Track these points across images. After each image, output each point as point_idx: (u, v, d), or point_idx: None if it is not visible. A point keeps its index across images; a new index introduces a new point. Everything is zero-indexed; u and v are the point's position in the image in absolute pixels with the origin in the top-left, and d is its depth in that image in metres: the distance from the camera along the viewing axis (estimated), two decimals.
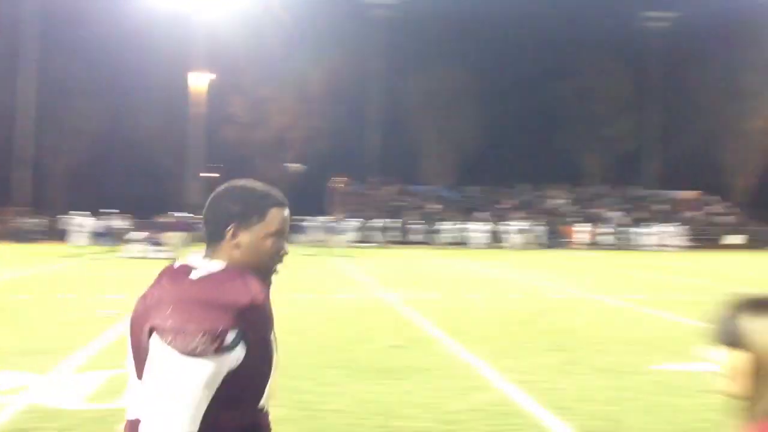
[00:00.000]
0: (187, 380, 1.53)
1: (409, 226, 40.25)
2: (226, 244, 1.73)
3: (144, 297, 1.67)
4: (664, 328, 10.43)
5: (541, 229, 39.64)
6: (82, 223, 31.02)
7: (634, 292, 15.22)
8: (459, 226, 39.56)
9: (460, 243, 37.93)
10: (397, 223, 40.53)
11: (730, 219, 46.38)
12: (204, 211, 1.79)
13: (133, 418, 1.61)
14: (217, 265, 1.69)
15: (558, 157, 54.80)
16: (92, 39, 43.94)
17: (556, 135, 54.15)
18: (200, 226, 1.82)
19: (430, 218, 41.44)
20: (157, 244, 24.46)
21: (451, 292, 15.13)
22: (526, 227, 39.09)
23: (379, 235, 38.98)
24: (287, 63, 46.72)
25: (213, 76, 45.24)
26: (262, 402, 1.72)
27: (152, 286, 1.68)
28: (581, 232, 39.87)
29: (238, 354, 1.58)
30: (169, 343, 1.54)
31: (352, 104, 49.92)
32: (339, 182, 49.31)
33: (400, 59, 50.73)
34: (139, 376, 1.61)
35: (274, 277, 1.81)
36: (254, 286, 1.65)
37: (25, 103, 43.58)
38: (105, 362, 7.02)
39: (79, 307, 11.67)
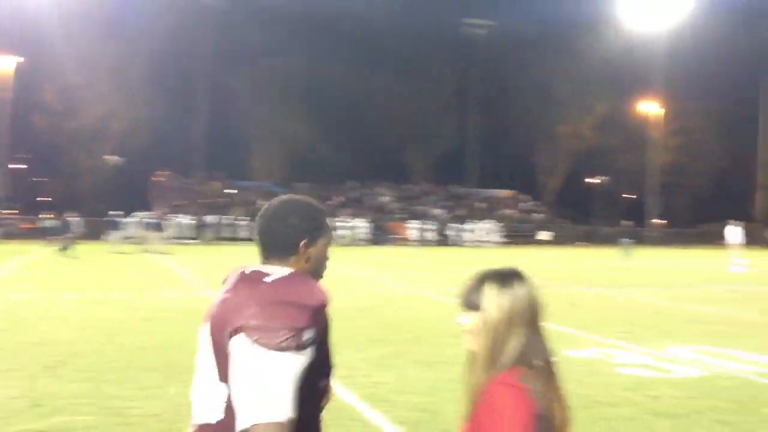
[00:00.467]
0: (278, 373, 1.62)
1: (237, 222, 39.42)
2: (299, 257, 1.89)
3: (223, 301, 1.76)
4: None
5: (367, 225, 40.37)
6: None
7: (454, 287, 15.76)
8: None
9: None
10: (224, 219, 39.56)
11: (541, 216, 49.88)
12: (264, 226, 1.92)
13: (202, 422, 1.73)
14: (287, 270, 1.81)
15: (385, 156, 56.23)
16: None
17: (383, 134, 55.51)
18: (259, 237, 1.94)
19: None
20: None
21: None
22: (354, 223, 39.64)
23: (205, 232, 37.85)
24: (105, 49, 43.92)
25: (21, 59, 41.60)
26: (323, 402, 1.87)
27: (229, 291, 1.77)
28: (412, 228, 41.10)
29: (310, 353, 1.70)
30: (255, 341, 1.63)
31: (177, 95, 48.05)
32: (162, 176, 47.27)
33: (228, 50, 49.57)
34: (222, 378, 1.70)
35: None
36: (322, 289, 1.79)
37: None
38: None
39: None
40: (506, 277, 1.85)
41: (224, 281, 1.88)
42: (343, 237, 37.76)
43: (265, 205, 1.98)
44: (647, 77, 48.18)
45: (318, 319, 1.72)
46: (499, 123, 55.85)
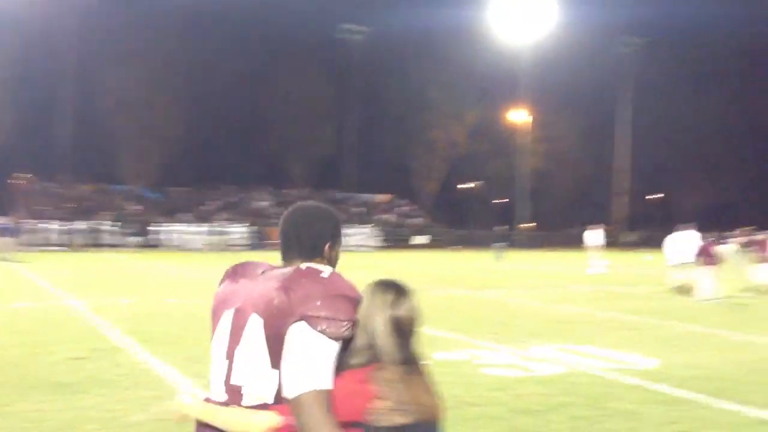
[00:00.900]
0: (327, 354, 1.87)
1: (104, 227, 37.64)
2: (322, 258, 2.11)
3: (287, 293, 1.91)
4: None
5: (245, 230, 39.68)
6: None
7: None
8: (165, 227, 38.01)
9: (155, 245, 36.39)
10: (90, 224, 37.67)
11: (418, 221, 50.87)
12: (293, 229, 2.11)
13: (255, 404, 1.91)
14: (329, 268, 2.04)
15: (263, 160, 55.55)
16: None
17: (261, 138, 54.83)
18: (286, 239, 2.13)
19: (129, 219, 39.21)
20: None
21: (146, 296, 14.38)
22: (231, 228, 38.85)
23: (73, 238, 35.89)
24: None
25: None
26: None
27: (287, 283, 1.93)
28: None
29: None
30: (321, 331, 1.85)
31: (40, 95, 45.32)
32: (21, 179, 44.39)
33: (97, 49, 47.28)
34: (275, 365, 1.89)
35: None
36: (355, 287, 2.03)
37: None
38: None
39: None
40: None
41: (232, 273, 2.16)
42: (210, 243, 36.69)
43: (289, 210, 2.18)
44: (516, 86, 50.35)
45: (356, 311, 1.98)
46: (376, 128, 56.58)
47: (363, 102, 56.27)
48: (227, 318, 2.03)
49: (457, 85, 54.06)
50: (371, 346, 1.94)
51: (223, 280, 2.19)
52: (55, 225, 36.29)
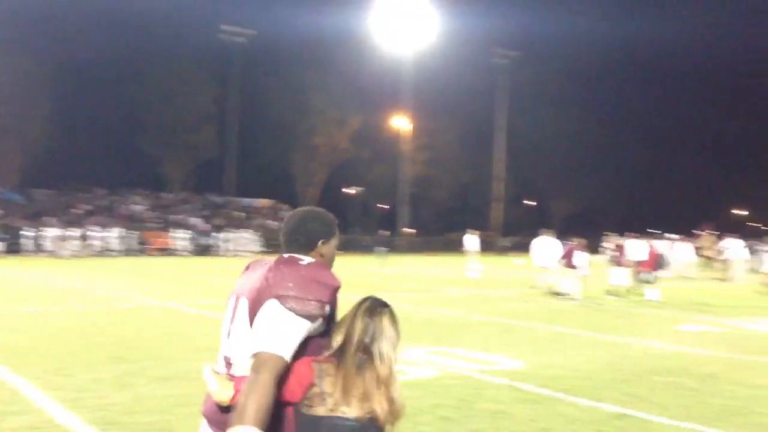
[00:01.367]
0: (293, 330, 2.16)
1: None
2: (316, 252, 2.44)
3: (266, 278, 2.25)
4: None
5: (118, 234, 37.97)
6: None
7: (209, 298, 15.40)
8: (28, 232, 35.70)
9: (16, 251, 34.13)
10: None
11: None
12: (291, 228, 2.48)
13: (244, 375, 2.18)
14: (313, 259, 2.37)
15: (139, 162, 53.49)
16: None
17: (137, 140, 52.78)
18: (286, 235, 2.49)
19: None
20: None
21: (2, 306, 13.46)
22: (103, 233, 37.08)
23: None
24: None
25: None
26: None
27: (270, 270, 2.28)
28: (169, 238, 39.37)
29: (322, 324, 2.26)
30: (289, 309, 2.15)
31: None
32: None
33: None
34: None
35: None
36: (337, 276, 2.34)
37: None
38: None
39: None
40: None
41: (247, 268, 2.54)
42: (78, 248, 34.84)
43: (292, 212, 2.61)
44: (398, 94, 51.15)
45: (334, 297, 2.30)
46: (259, 132, 55.79)
47: (245, 105, 55.31)
48: (230, 303, 2.42)
49: (341, 91, 54.22)
50: (341, 348, 2.25)
51: (242, 272, 2.57)
52: None
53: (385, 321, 2.33)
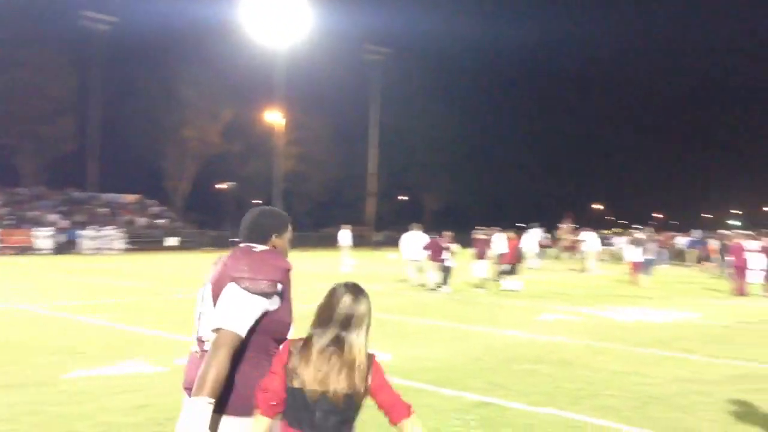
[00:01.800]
0: (249, 308, 2.54)
1: None
2: (269, 244, 2.83)
3: (225, 264, 2.65)
4: (91, 334, 10.20)
5: None
6: None
7: (69, 299, 14.60)
8: None
9: None
10: None
11: (169, 222, 48.87)
12: (248, 224, 2.86)
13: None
14: (266, 246, 2.80)
15: None
16: None
17: None
18: (245, 230, 2.87)
19: None
20: None
21: None
22: None
23: None
24: None
25: None
26: (286, 334, 2.74)
27: (229, 258, 2.68)
28: (26, 235, 36.84)
29: (277, 301, 2.66)
30: (244, 288, 2.54)
31: None
32: None
33: None
34: None
35: None
36: (288, 260, 2.78)
37: None
38: None
39: None
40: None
41: (217, 260, 2.82)
42: None
43: (250, 210, 2.94)
44: (271, 88, 50.46)
45: (286, 278, 2.70)
46: (123, 125, 53.29)
47: (109, 96, 52.62)
48: (204, 290, 2.76)
49: (212, 83, 52.80)
50: (313, 329, 2.62)
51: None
52: None
53: (362, 306, 2.65)
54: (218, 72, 52.28)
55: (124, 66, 52.29)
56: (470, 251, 20.10)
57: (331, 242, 42.68)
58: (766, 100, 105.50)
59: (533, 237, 33.38)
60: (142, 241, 41.69)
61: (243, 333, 2.51)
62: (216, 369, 2.40)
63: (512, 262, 18.84)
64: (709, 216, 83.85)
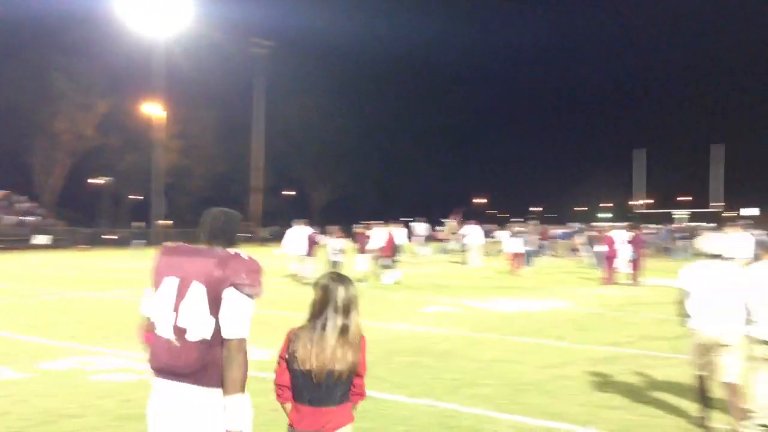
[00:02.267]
0: (250, 311, 3.00)
1: None
2: (232, 245, 3.19)
3: (220, 268, 2.94)
4: None
5: None
6: None
7: None
8: None
9: None
10: None
11: (39, 219, 46.19)
12: (216, 228, 3.20)
13: (199, 338, 2.94)
14: (242, 251, 3.12)
15: None
16: None
17: None
18: (210, 231, 3.19)
19: None
20: None
21: None
22: None
23: None
24: None
25: None
26: None
27: (220, 263, 2.96)
28: None
29: None
30: (246, 294, 2.95)
31: None
32: None
33: None
34: (213, 313, 2.92)
35: None
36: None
37: None
38: None
39: None
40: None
41: (168, 251, 3.15)
42: None
43: (213, 212, 3.24)
44: (149, 79, 48.57)
45: None
46: None
47: None
48: (171, 283, 3.01)
49: (86, 74, 50.23)
50: (311, 317, 3.09)
51: (159, 255, 3.16)
52: None
53: (352, 290, 3.11)
54: (93, 62, 49.81)
55: None
56: (354, 245, 20.19)
57: None
58: (630, 100, 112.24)
59: (418, 230, 34.00)
60: (9, 240, 39.19)
61: (248, 335, 2.99)
62: (242, 370, 2.93)
63: (390, 255, 19.12)
64: (583, 209, 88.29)
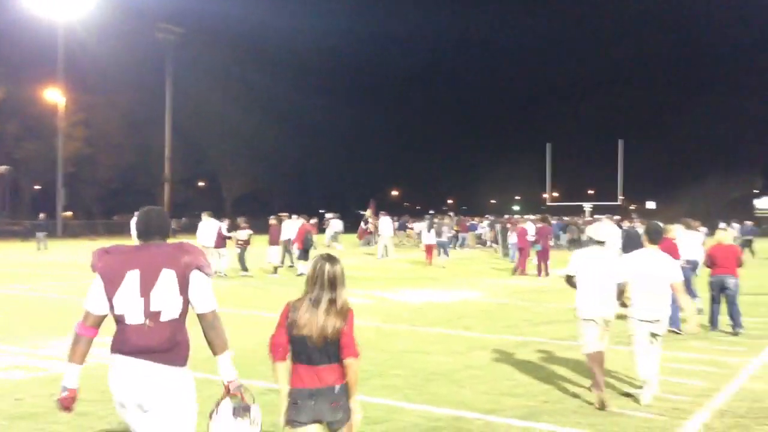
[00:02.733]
0: (212, 288, 3.53)
1: None
2: (168, 238, 3.59)
3: (183, 255, 3.43)
4: None
5: None
6: None
7: None
8: None
9: None
10: None
11: None
12: (153, 225, 3.54)
13: (170, 318, 3.39)
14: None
15: None
16: None
17: None
18: (146, 228, 3.53)
19: None
20: None
21: None
22: None
23: None
24: None
25: None
26: None
27: (182, 251, 3.45)
28: None
29: None
30: (207, 274, 3.48)
31: None
32: None
33: None
34: (182, 293, 3.39)
35: None
36: None
37: None
38: None
39: None
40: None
41: (111, 251, 3.44)
42: None
43: (146, 210, 3.60)
44: (51, 65, 46.32)
45: None
46: None
47: None
48: (134, 275, 3.32)
49: None
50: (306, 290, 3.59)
51: (100, 258, 3.40)
52: None
53: (338, 267, 3.65)
54: None
55: None
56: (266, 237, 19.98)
57: (123, 231, 40.45)
58: (543, 95, 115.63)
59: (333, 224, 33.96)
60: None
61: (217, 306, 3.51)
62: (224, 333, 3.50)
63: (302, 247, 19.08)
64: (494, 201, 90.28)
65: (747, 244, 26.51)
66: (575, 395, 6.54)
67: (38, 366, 7.25)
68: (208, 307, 3.44)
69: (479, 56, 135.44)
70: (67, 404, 3.40)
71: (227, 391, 3.44)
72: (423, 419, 5.71)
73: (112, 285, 3.32)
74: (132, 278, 3.31)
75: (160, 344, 3.31)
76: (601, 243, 6.39)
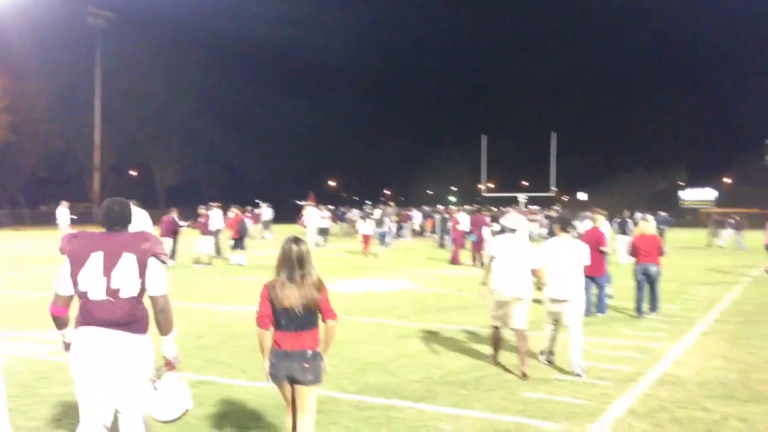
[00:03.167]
0: (165, 274, 3.92)
1: None
2: (129, 227, 3.95)
3: (142, 242, 3.82)
4: None
5: None
6: None
7: None
8: None
9: None
10: None
11: None
12: (117, 215, 3.89)
13: (129, 296, 3.77)
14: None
15: None
16: None
17: None
18: (107, 217, 3.89)
19: None
20: None
21: None
22: None
23: None
24: None
25: None
26: None
27: (141, 239, 3.85)
28: None
29: None
30: (162, 261, 3.86)
31: None
32: None
33: None
34: (141, 276, 3.77)
35: None
36: None
37: None
38: None
39: None
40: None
41: (78, 236, 3.87)
42: None
43: (110, 201, 3.97)
44: None
45: None
46: None
47: None
48: (98, 256, 3.73)
49: None
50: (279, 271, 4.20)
51: (69, 242, 3.80)
52: None
53: (303, 247, 4.24)
54: None
55: None
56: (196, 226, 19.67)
57: (49, 221, 39.09)
58: (478, 88, 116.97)
59: (264, 214, 33.67)
60: None
61: (168, 291, 3.89)
62: (171, 316, 3.89)
63: (235, 236, 18.89)
64: (431, 192, 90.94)
65: (660, 233, 27.46)
66: (506, 381, 6.66)
67: None
68: (161, 291, 3.84)
69: (417, 49, 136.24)
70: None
71: (169, 366, 3.91)
72: (356, 409, 5.72)
73: (77, 265, 3.74)
74: (96, 259, 3.73)
75: (119, 318, 3.73)
76: (513, 231, 7.25)
